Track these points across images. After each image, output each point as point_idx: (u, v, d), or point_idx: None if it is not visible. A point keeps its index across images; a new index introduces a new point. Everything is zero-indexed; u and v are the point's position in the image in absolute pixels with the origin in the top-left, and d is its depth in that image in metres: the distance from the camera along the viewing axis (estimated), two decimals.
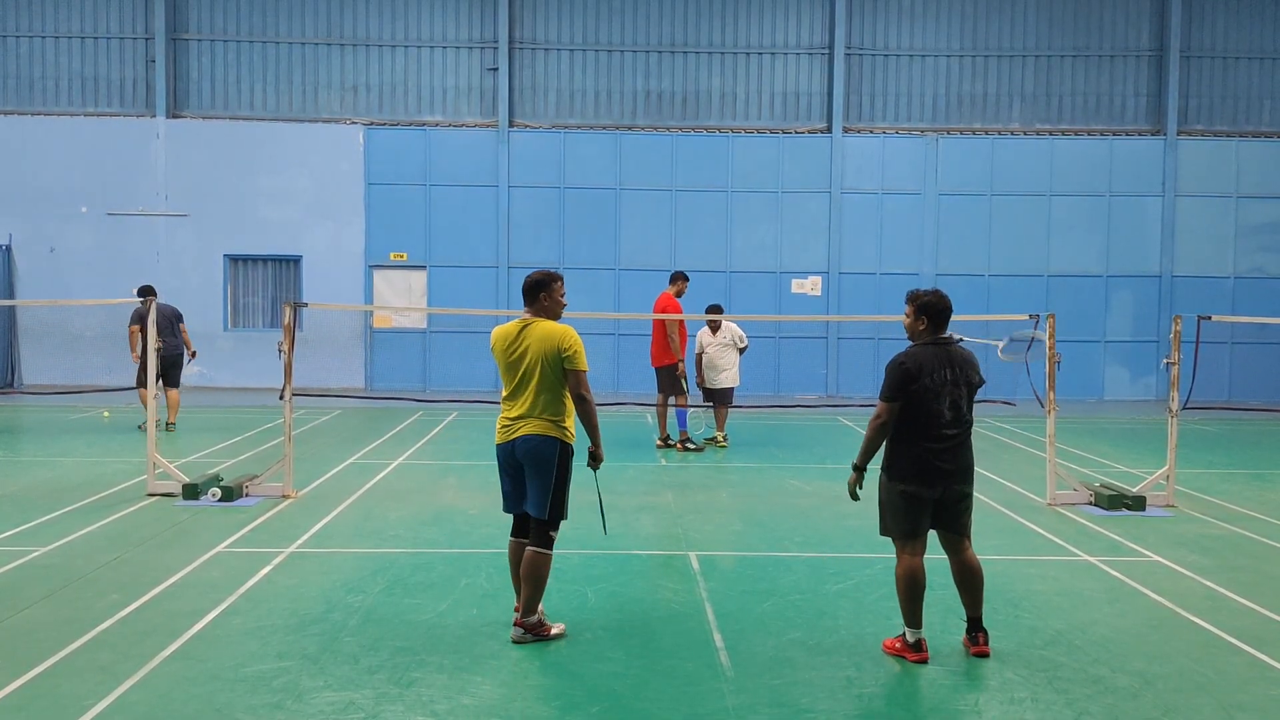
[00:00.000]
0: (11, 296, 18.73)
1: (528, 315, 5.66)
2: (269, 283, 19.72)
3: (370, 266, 19.45)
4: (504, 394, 5.68)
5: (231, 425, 14.05)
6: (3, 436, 13.39)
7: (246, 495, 9.14)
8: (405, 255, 19.46)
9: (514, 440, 5.54)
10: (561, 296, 5.72)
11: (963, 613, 5.51)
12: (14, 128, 19.18)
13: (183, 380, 19.25)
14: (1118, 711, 4.71)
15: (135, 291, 13.70)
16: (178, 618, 5.80)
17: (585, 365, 5.53)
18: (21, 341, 19.14)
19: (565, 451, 5.57)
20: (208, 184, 19.26)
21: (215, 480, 9.32)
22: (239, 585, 6.45)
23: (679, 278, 12.78)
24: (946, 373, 5.32)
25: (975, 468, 5.57)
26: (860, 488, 5.49)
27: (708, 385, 12.74)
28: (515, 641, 5.51)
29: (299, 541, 7.65)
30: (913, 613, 5.34)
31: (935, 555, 5.61)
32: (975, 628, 5.47)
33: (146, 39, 19.40)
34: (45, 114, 19.36)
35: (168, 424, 13.35)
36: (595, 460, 5.64)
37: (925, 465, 5.30)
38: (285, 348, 9.23)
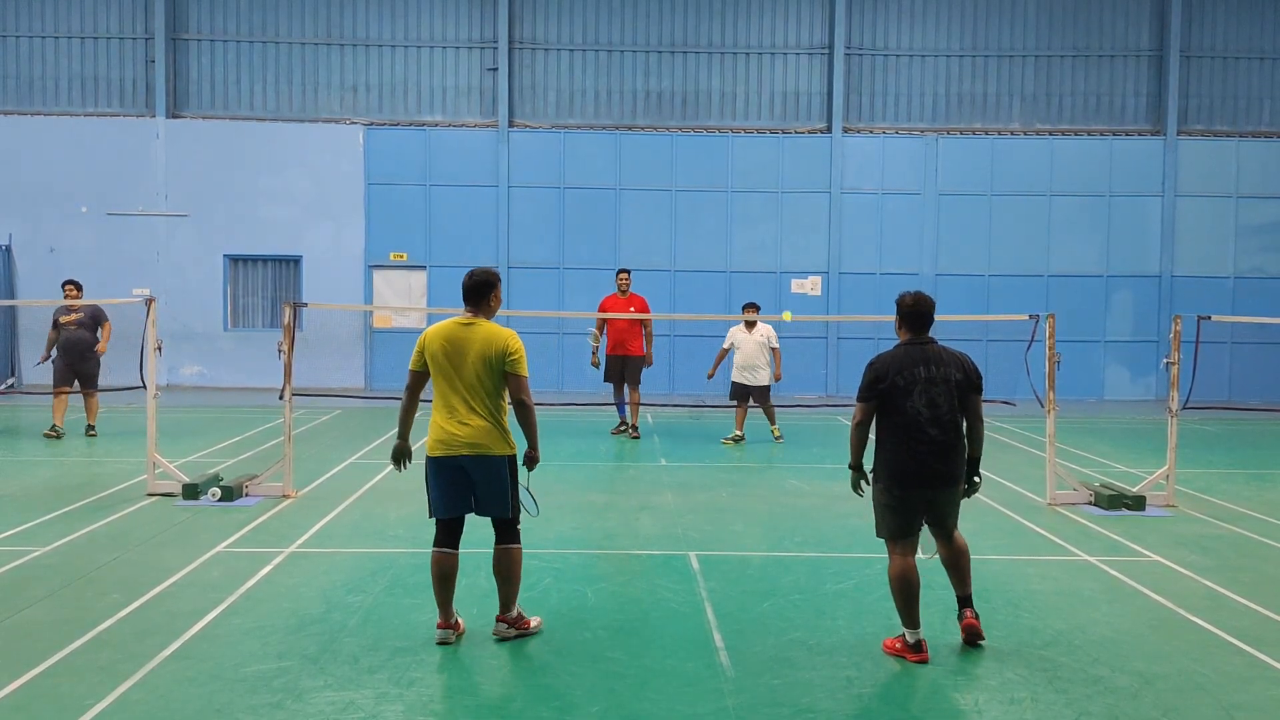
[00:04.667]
0: (11, 296, 18.73)
1: (469, 315, 5.56)
2: (269, 283, 19.72)
3: (370, 266, 19.44)
4: (438, 399, 5.52)
5: (231, 425, 14.04)
6: (3, 436, 13.39)
7: (246, 495, 9.14)
8: (405, 255, 19.46)
9: (459, 457, 5.44)
10: (501, 295, 5.69)
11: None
12: (14, 128, 19.17)
13: (183, 380, 19.42)
14: (1118, 711, 4.71)
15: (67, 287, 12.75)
16: (178, 618, 5.80)
17: (526, 370, 5.48)
18: (21, 341, 19.13)
19: (512, 462, 5.55)
20: (208, 184, 19.25)
21: (215, 480, 9.31)
22: (239, 585, 6.45)
23: (620, 273, 13.70)
24: (920, 370, 5.37)
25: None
26: (866, 482, 5.55)
27: (743, 382, 13.01)
28: (499, 638, 5.52)
29: (299, 541, 7.65)
30: (909, 614, 5.35)
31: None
32: (965, 604, 5.54)
33: (146, 39, 19.39)
34: (45, 114, 19.36)
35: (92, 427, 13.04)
36: (531, 463, 5.61)
37: (908, 468, 5.34)
38: (285, 348, 9.23)
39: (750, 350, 12.93)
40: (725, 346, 13.17)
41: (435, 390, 5.53)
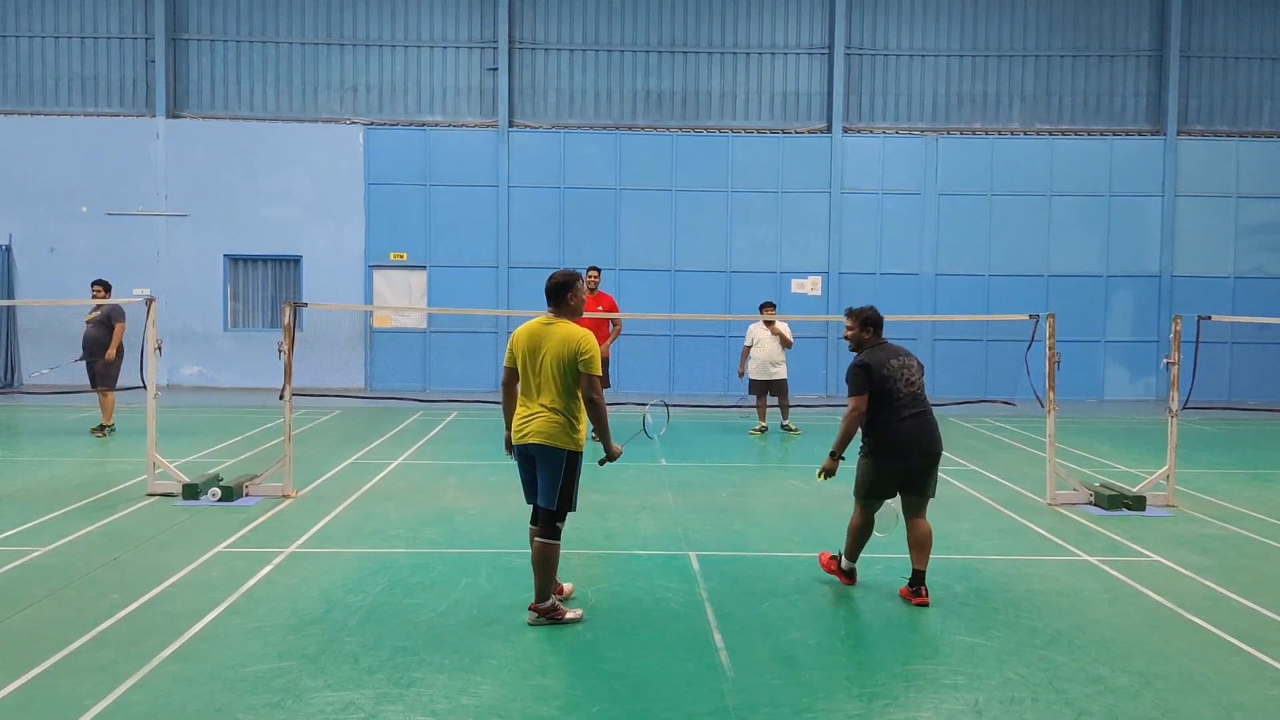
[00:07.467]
0: (11, 296, 18.72)
1: (551, 315, 5.85)
2: (269, 283, 19.72)
3: (370, 266, 19.44)
4: (520, 391, 5.85)
5: (231, 425, 14.04)
6: (3, 436, 13.38)
7: (246, 495, 9.14)
8: (405, 255, 19.46)
9: (527, 444, 5.72)
10: (584, 294, 5.97)
11: (962, 614, 5.56)
12: (14, 128, 19.17)
13: (183, 380, 19.42)
14: (1118, 711, 4.71)
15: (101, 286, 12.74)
16: (178, 618, 5.80)
17: (599, 370, 5.73)
18: (21, 341, 19.14)
19: (573, 458, 5.75)
20: (208, 184, 19.26)
21: (215, 480, 9.31)
22: (239, 585, 6.45)
23: (589, 270, 13.07)
24: (894, 361, 6.39)
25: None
26: (833, 475, 6.48)
27: (763, 378, 13.72)
28: (531, 625, 5.76)
29: (299, 541, 7.65)
30: (856, 549, 6.58)
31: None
32: (918, 581, 6.24)
33: (146, 39, 19.40)
34: (45, 114, 19.36)
35: (105, 427, 12.90)
36: (610, 458, 5.94)
37: (903, 443, 6.26)
38: (285, 348, 9.23)
39: (770, 347, 13.70)
40: (747, 344, 13.88)
41: (520, 383, 5.85)
